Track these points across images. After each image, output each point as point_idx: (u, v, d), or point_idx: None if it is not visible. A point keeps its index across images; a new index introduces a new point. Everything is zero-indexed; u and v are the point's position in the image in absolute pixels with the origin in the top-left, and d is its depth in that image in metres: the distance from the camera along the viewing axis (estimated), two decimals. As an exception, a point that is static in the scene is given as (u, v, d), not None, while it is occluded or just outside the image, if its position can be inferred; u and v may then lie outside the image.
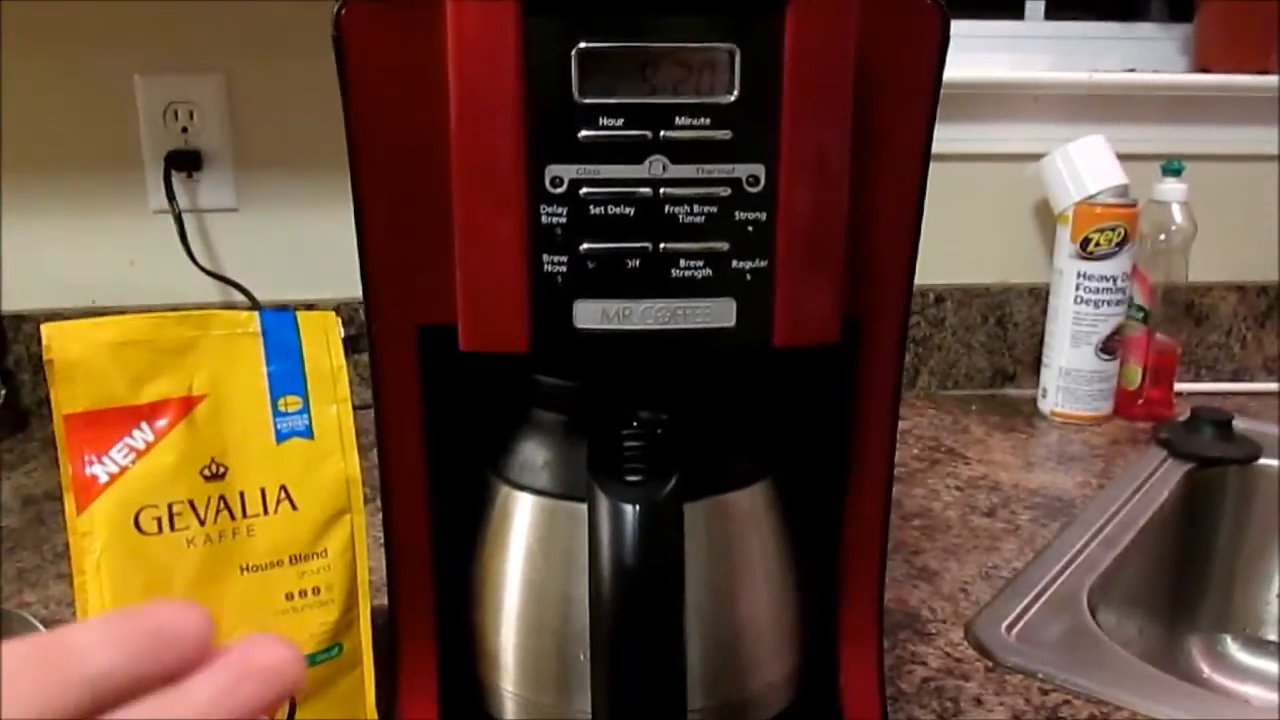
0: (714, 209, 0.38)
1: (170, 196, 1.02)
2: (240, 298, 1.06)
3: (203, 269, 1.05)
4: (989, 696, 0.60)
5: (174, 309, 1.04)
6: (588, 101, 0.37)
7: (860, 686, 0.48)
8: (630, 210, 0.37)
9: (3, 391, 1.02)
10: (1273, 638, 0.97)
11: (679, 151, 0.37)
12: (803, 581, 0.49)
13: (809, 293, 0.40)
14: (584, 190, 0.37)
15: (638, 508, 0.38)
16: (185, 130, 1.04)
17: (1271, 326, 1.23)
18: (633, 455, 0.40)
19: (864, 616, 0.48)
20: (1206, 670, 0.95)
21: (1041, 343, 1.12)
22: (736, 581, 0.47)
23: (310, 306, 1.06)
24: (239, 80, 1.04)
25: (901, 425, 1.04)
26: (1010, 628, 0.67)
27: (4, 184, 1.03)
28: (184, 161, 1.04)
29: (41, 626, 0.56)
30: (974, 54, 1.17)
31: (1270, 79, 1.15)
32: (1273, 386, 1.20)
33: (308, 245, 1.05)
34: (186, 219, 1.04)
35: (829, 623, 0.49)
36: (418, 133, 0.39)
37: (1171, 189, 1.08)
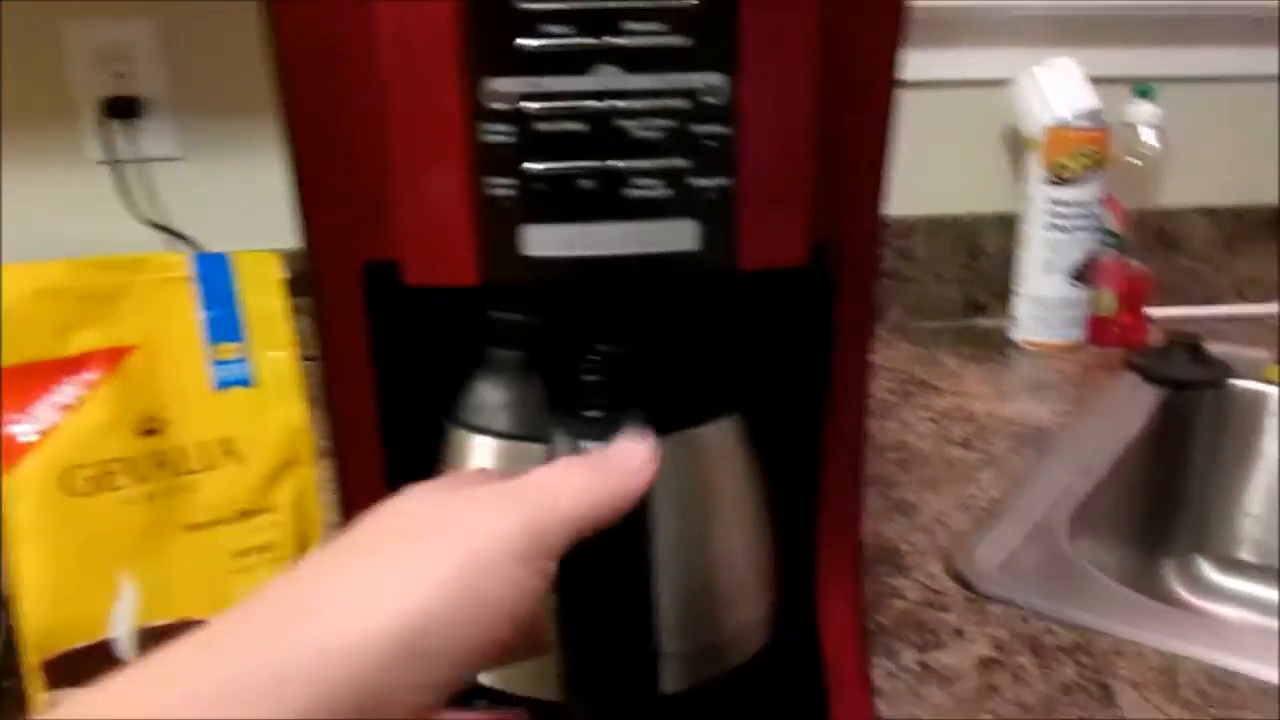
0: (671, 123, 0.35)
1: (108, 146, 0.98)
2: (186, 249, 1.02)
3: (146, 220, 1.00)
4: (970, 627, 0.58)
5: (119, 264, 1.00)
6: (529, 6, 0.34)
7: (838, 623, 0.47)
8: (581, 126, 0.35)
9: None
10: (1246, 558, 0.97)
11: (631, 60, 0.34)
12: (778, 518, 0.47)
13: (775, 212, 0.37)
14: (527, 105, 0.34)
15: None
16: (121, 75, 0.99)
17: (1242, 250, 1.22)
18: (592, 391, 0.38)
19: (842, 551, 0.46)
20: (1182, 592, 0.95)
21: (1013, 272, 1.10)
22: (709, 519, 0.45)
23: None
24: (175, 21, 0.99)
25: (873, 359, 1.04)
26: (989, 558, 0.66)
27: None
28: (123, 109, 0.99)
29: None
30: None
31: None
32: (1244, 309, 1.19)
33: (258, 193, 1.01)
34: (129, 169, 1.00)
35: (806, 559, 0.47)
36: (350, 51, 0.36)
37: (1143, 112, 1.06)
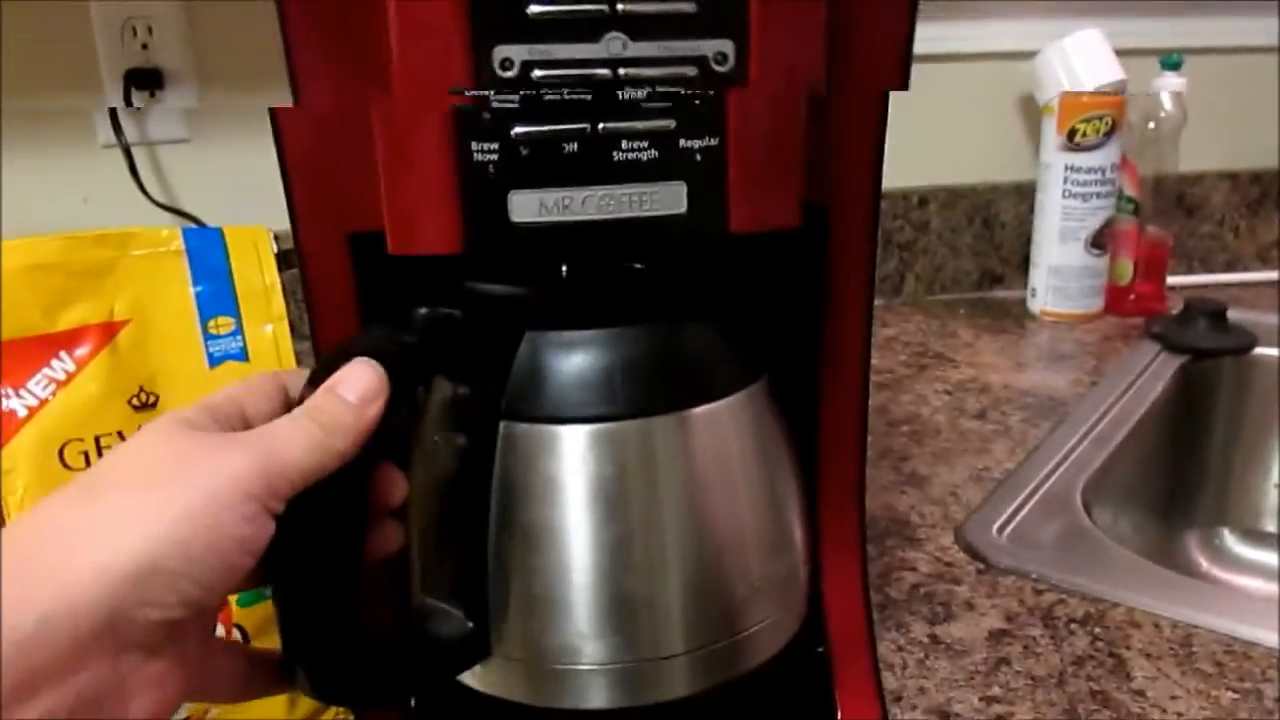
0: (675, 89, 0.34)
1: (117, 129, 0.98)
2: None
3: (152, 200, 1.00)
4: (980, 599, 0.58)
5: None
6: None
7: (843, 594, 0.46)
8: (587, 94, 0.34)
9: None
10: (1271, 529, 0.96)
11: (639, 27, 0.34)
12: (791, 489, 0.46)
13: (766, 174, 0.36)
14: (537, 73, 0.34)
15: None
16: (145, 47, 0.99)
17: (1265, 214, 1.19)
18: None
19: (845, 521, 0.45)
20: (1205, 564, 0.94)
21: (1029, 242, 1.08)
22: (713, 496, 0.44)
23: (274, 238, 1.02)
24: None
25: (888, 332, 1.03)
26: (1002, 529, 0.65)
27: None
28: (145, 80, 0.99)
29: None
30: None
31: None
32: (1267, 275, 1.17)
33: (266, 176, 1.01)
34: (140, 150, 1.00)
35: (811, 533, 0.47)
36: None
37: (1170, 82, 1.04)
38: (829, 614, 0.46)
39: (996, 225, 1.14)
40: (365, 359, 0.35)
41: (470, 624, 0.39)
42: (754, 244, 0.37)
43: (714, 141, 0.35)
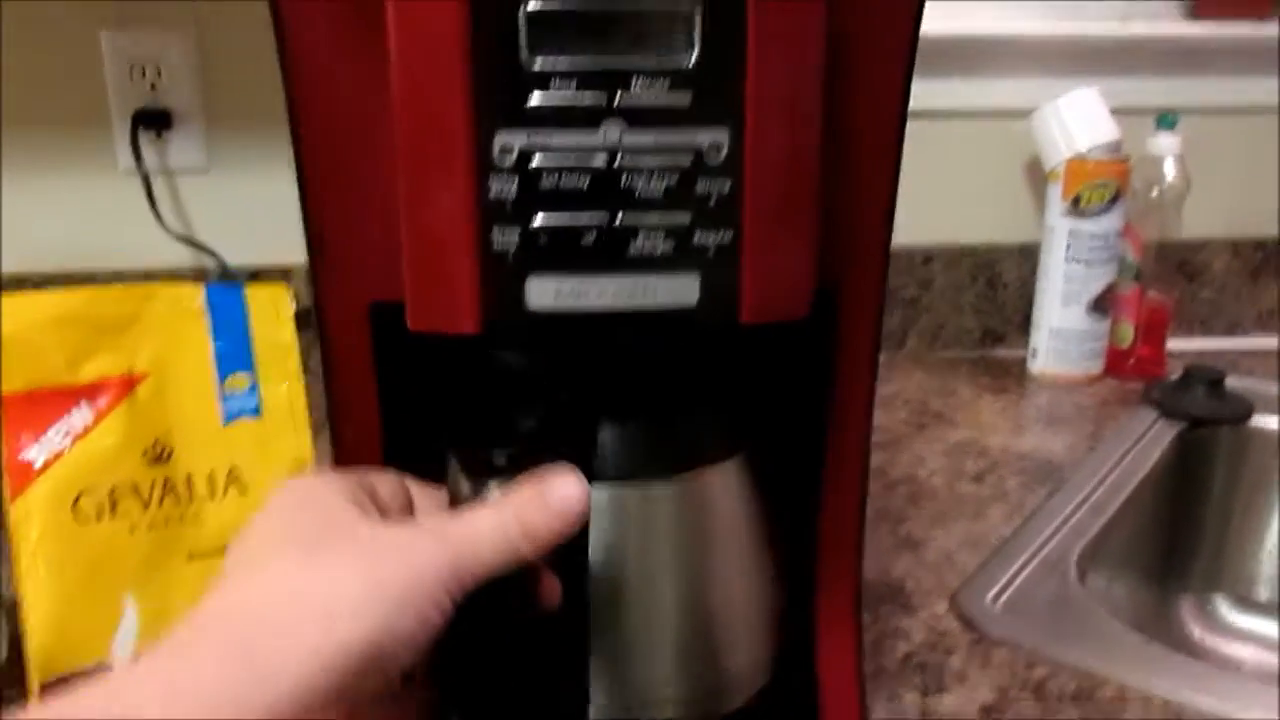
0: (674, 179, 0.35)
1: (137, 156, 0.99)
2: (212, 262, 1.03)
3: (171, 232, 1.02)
4: (973, 671, 0.58)
5: (144, 273, 1.02)
6: (538, 65, 0.34)
7: (838, 671, 0.47)
8: (585, 181, 0.35)
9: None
10: (1264, 597, 0.96)
11: (637, 118, 0.35)
12: (779, 561, 0.47)
13: (778, 267, 0.37)
14: (535, 160, 0.35)
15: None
16: (153, 88, 1.00)
17: (1265, 281, 1.20)
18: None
19: (841, 600, 0.46)
20: (1198, 632, 0.94)
21: (1031, 303, 1.10)
22: (708, 563, 0.45)
23: (284, 272, 1.03)
24: (208, 35, 1.00)
25: (889, 389, 1.04)
26: (996, 597, 0.66)
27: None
28: (153, 120, 1.01)
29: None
30: (960, 4, 1.13)
31: (1267, 28, 1.11)
32: (1267, 342, 1.18)
33: (279, 208, 1.02)
34: (157, 180, 1.01)
35: (806, 603, 0.48)
36: (363, 103, 0.37)
37: (1165, 143, 1.05)
38: (823, 687, 0.47)
39: (999, 285, 1.15)
40: (574, 471, 0.35)
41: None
42: (762, 328, 0.38)
43: (727, 237, 0.36)
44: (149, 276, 1.02)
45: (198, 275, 1.04)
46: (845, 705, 0.47)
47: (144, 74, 1.00)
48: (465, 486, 0.40)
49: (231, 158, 1.03)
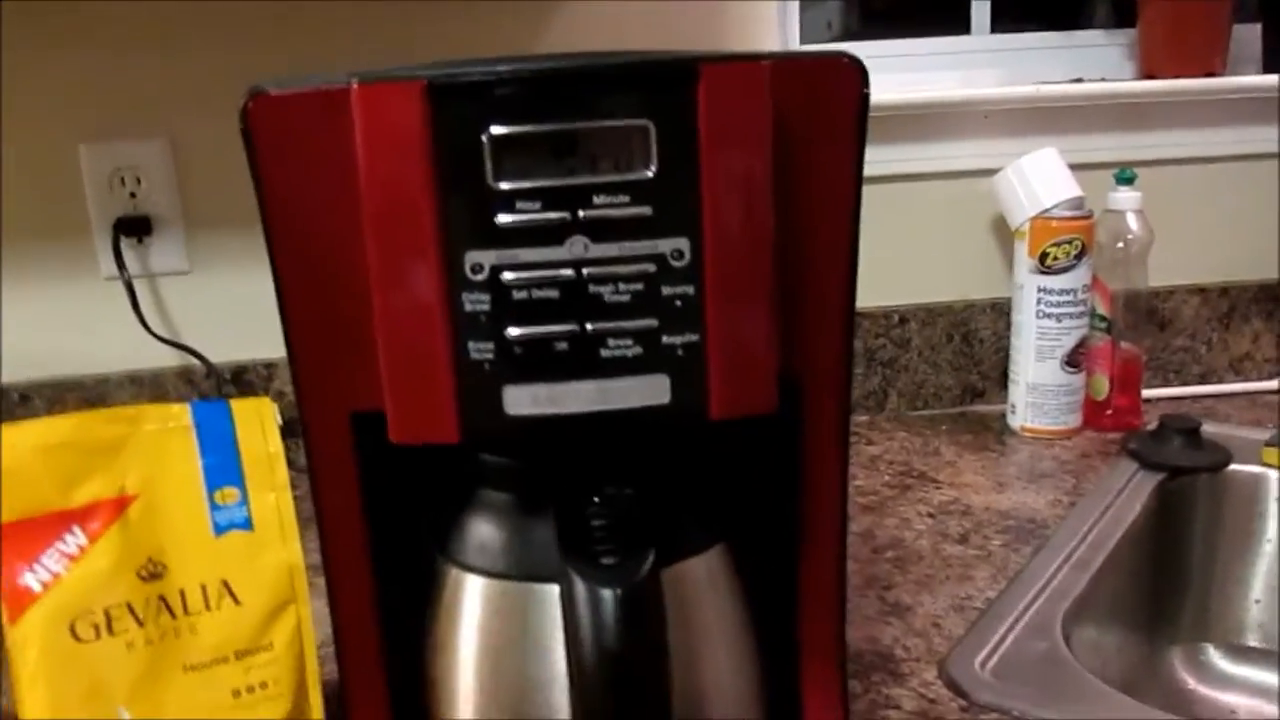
0: (640, 286, 0.37)
1: (120, 264, 1.01)
2: (196, 362, 1.05)
3: (156, 336, 1.03)
4: (964, 739, 0.59)
5: (130, 377, 1.03)
6: (504, 186, 0.36)
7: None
8: (555, 293, 0.37)
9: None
10: (1254, 644, 0.97)
11: (600, 230, 0.37)
12: (763, 644, 0.48)
13: (743, 362, 0.39)
14: (506, 275, 0.36)
15: (619, 592, 0.37)
16: (133, 195, 1.03)
17: (1235, 327, 1.23)
18: (602, 535, 0.39)
19: (824, 680, 0.47)
20: (1191, 682, 0.95)
21: (1007, 357, 1.12)
22: (696, 649, 0.46)
23: (268, 366, 1.05)
24: (184, 143, 1.03)
25: (872, 450, 1.05)
26: (984, 663, 0.67)
27: (-51, 260, 1.01)
28: (133, 227, 1.03)
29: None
30: (921, 73, 1.17)
31: (1217, 81, 1.15)
32: (1240, 387, 1.20)
33: (261, 304, 1.04)
34: (139, 283, 1.03)
35: (791, 684, 0.48)
36: (336, 221, 0.38)
37: (1126, 197, 1.08)
38: (813, 767, 0.48)
39: (975, 341, 1.18)
40: None
41: None
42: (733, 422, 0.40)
43: (694, 337, 0.38)
44: (134, 380, 1.04)
45: (183, 375, 1.05)
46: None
47: (123, 183, 1.02)
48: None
49: (212, 258, 1.05)
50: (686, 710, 0.45)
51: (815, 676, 0.47)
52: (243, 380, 1.06)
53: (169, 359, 1.05)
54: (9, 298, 1.03)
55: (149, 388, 1.05)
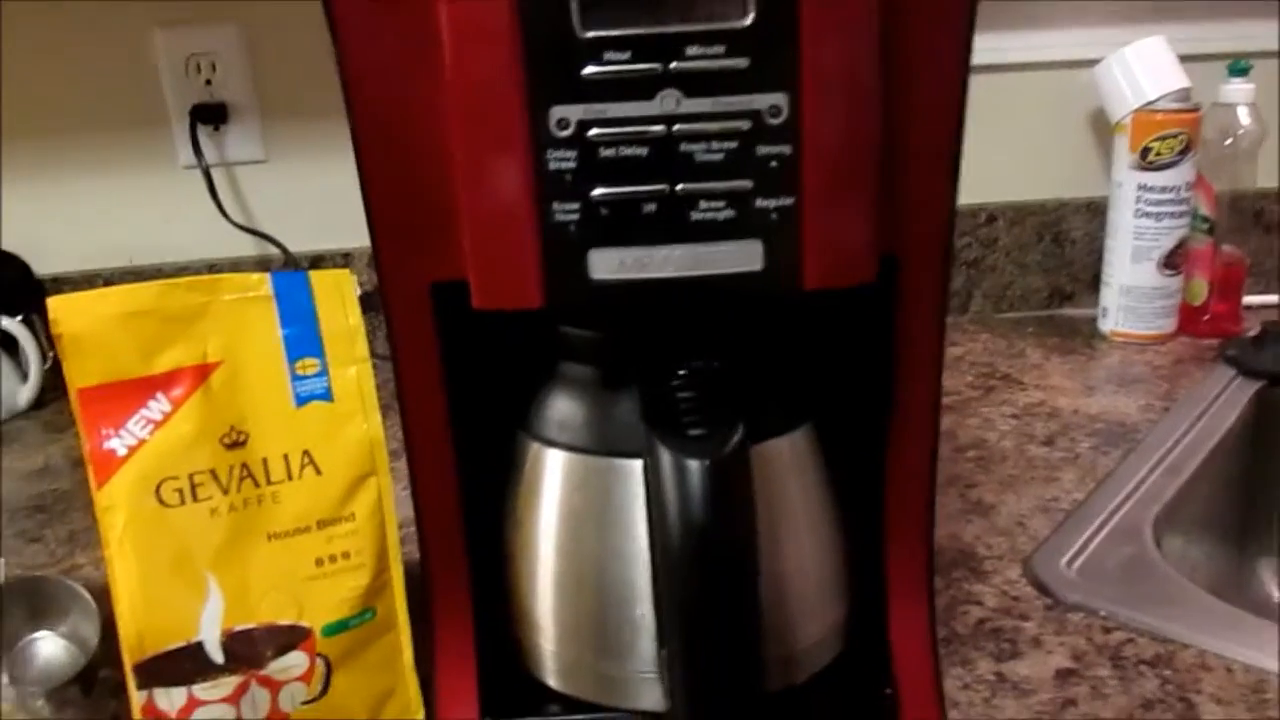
0: (734, 144, 0.35)
1: (197, 151, 1.01)
2: (274, 250, 1.05)
3: (234, 223, 1.03)
4: (1048, 636, 0.57)
5: (209, 265, 1.04)
6: (590, 35, 0.34)
7: (910, 639, 0.46)
8: (643, 151, 0.35)
9: (51, 354, 1.02)
10: (1348, 558, 0.94)
11: (693, 84, 0.34)
12: (849, 529, 0.47)
13: (841, 231, 0.37)
14: (592, 132, 0.35)
15: (707, 464, 0.36)
16: (209, 83, 1.02)
17: (1346, 231, 1.16)
18: (689, 407, 0.38)
19: (912, 568, 0.46)
20: (1278, 595, 0.92)
21: (1100, 260, 1.07)
22: (780, 531, 0.45)
23: (345, 255, 1.05)
24: (257, 28, 1.01)
25: (955, 351, 1.02)
26: (1070, 563, 0.65)
27: (33, 146, 1.02)
28: (209, 114, 1.02)
29: (87, 594, 0.56)
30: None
31: (1345, -35, 1.07)
32: (1348, 295, 1.14)
33: (339, 194, 1.03)
34: (216, 172, 1.03)
35: (877, 571, 0.47)
36: (417, 82, 0.37)
37: (1238, 90, 1.02)
38: (896, 659, 0.47)
39: (1066, 242, 1.13)
40: None
41: None
42: (825, 295, 0.38)
43: (789, 201, 0.36)
44: (213, 268, 1.05)
45: (261, 264, 1.06)
46: (919, 672, 0.47)
47: (199, 69, 1.02)
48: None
49: (289, 147, 1.05)
50: (768, 593, 0.44)
51: (901, 563, 0.46)
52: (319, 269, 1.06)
53: (247, 247, 1.06)
54: (88, 187, 1.04)
55: (228, 276, 1.06)
